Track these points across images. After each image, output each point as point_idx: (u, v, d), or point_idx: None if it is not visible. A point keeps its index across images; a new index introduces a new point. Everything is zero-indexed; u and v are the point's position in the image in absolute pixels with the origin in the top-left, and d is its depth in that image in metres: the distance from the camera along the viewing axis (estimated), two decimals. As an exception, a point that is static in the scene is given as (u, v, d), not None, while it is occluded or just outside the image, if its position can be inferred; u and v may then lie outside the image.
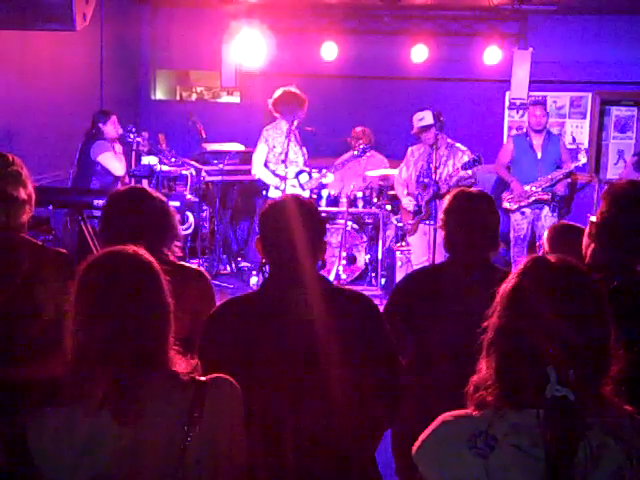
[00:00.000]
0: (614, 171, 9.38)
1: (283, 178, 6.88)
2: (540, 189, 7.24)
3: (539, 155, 7.41)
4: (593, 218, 2.59)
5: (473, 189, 3.19)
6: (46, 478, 1.85)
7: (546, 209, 7.29)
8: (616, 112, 9.60)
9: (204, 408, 1.86)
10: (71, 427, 1.82)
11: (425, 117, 6.49)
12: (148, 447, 1.82)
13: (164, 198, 2.99)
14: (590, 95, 9.34)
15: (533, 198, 7.27)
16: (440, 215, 3.14)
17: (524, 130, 7.84)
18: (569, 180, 7.46)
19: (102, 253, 1.95)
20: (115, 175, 6.71)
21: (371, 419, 2.39)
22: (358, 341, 2.37)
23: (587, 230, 2.63)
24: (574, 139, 7.96)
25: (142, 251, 1.94)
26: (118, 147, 6.95)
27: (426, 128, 6.50)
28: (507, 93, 8.98)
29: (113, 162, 6.67)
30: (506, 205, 7.40)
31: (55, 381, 1.90)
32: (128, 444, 1.81)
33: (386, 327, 2.50)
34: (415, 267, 6.55)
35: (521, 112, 9.30)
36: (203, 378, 1.93)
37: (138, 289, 1.86)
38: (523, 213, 7.37)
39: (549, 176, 7.25)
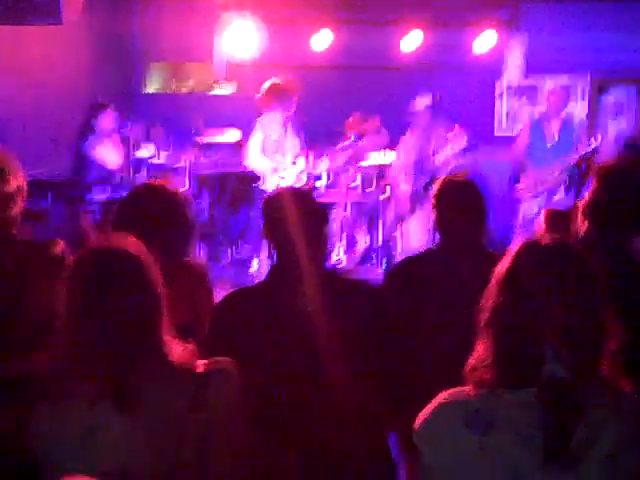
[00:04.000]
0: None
1: (278, 167, 6.87)
2: (556, 174, 7.21)
3: (552, 142, 7.38)
4: (587, 197, 2.61)
5: (460, 174, 3.22)
6: (47, 471, 1.86)
7: (561, 192, 7.26)
8: (612, 97, 9.58)
9: (205, 397, 1.87)
10: (70, 420, 1.83)
11: (424, 98, 6.55)
12: (147, 436, 1.82)
13: (188, 209, 3.01)
14: (585, 80, 9.32)
15: (548, 183, 7.24)
16: (431, 200, 3.16)
17: (540, 116, 7.79)
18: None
19: (91, 247, 1.95)
20: (111, 168, 6.70)
21: (375, 413, 2.40)
22: (364, 332, 2.38)
23: (580, 209, 2.64)
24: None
25: (131, 242, 1.94)
26: (113, 140, 6.94)
27: (420, 109, 6.55)
28: (501, 79, 8.95)
29: (109, 155, 6.66)
30: (522, 192, 7.38)
31: (48, 376, 1.90)
32: (127, 434, 1.82)
33: (393, 318, 2.51)
34: (412, 252, 6.55)
35: (515, 98, 9.28)
36: (202, 366, 1.93)
37: (127, 280, 1.86)
38: (535, 197, 7.35)
39: (562, 161, 7.21)
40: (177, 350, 1.92)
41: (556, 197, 7.28)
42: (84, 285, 1.85)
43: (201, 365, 1.94)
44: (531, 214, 7.35)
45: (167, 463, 1.83)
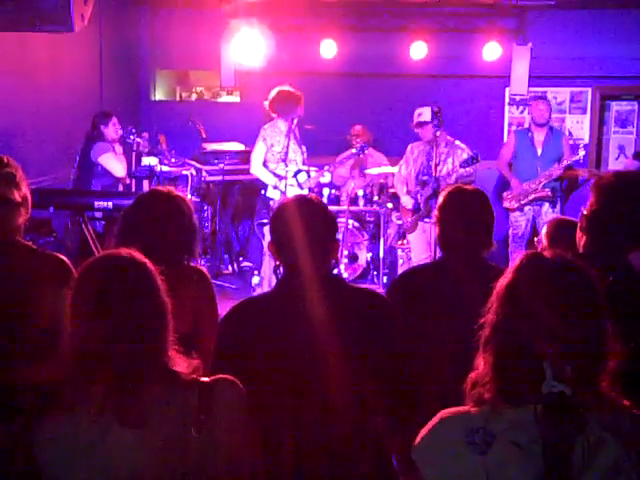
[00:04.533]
0: (615, 166, 9.36)
1: (282, 177, 6.88)
2: (540, 186, 7.24)
3: (539, 152, 7.40)
4: (585, 211, 2.61)
5: (468, 186, 3.19)
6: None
7: (546, 205, 7.29)
8: (616, 107, 9.58)
9: (210, 411, 1.86)
10: (74, 431, 1.82)
11: (423, 113, 6.54)
12: (151, 449, 1.82)
13: (194, 216, 3.02)
14: (590, 90, 9.33)
15: (533, 196, 7.26)
16: (434, 212, 3.14)
17: (527, 126, 7.82)
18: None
19: (98, 256, 1.96)
20: (116, 176, 6.71)
21: (382, 420, 2.40)
22: (372, 341, 2.38)
23: (579, 224, 2.64)
24: (570, 134, 7.95)
25: (136, 253, 1.94)
26: (118, 148, 6.95)
27: (422, 124, 6.56)
28: (507, 89, 8.97)
29: (114, 163, 6.67)
30: (506, 204, 7.39)
31: (51, 385, 1.91)
32: (131, 446, 1.81)
33: (401, 328, 2.50)
34: (414, 265, 6.55)
35: (521, 108, 9.29)
36: (207, 379, 1.93)
37: (134, 290, 1.87)
38: (521, 210, 7.37)
39: (547, 172, 7.24)
40: (181, 364, 1.92)
41: (543, 210, 7.29)
42: (91, 292, 1.85)
43: (206, 378, 1.95)
44: (520, 227, 7.37)
45: (172, 474, 1.83)
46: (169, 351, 1.91)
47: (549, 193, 7.22)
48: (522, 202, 7.31)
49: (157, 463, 1.82)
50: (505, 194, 7.47)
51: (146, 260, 1.94)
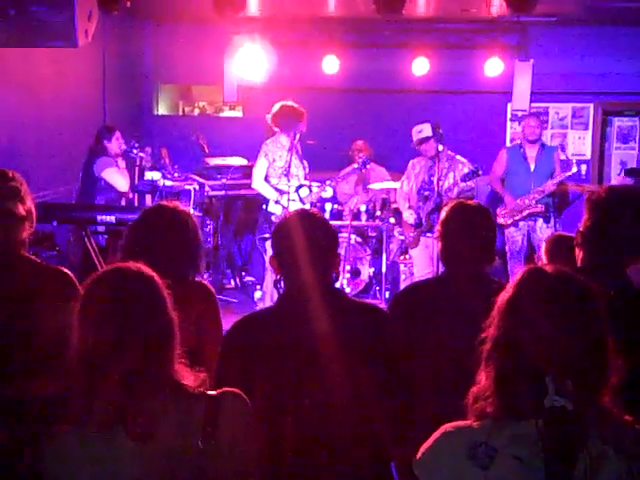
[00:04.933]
0: (616, 182, 9.37)
1: (283, 192, 6.89)
2: (533, 202, 7.23)
3: (532, 167, 7.40)
4: (580, 227, 2.63)
5: (471, 201, 3.19)
6: None
7: (540, 220, 7.27)
8: (618, 122, 9.61)
9: (217, 423, 1.87)
10: (79, 441, 1.83)
11: (424, 129, 6.54)
12: (156, 460, 1.82)
13: (199, 231, 3.03)
14: (592, 106, 9.36)
15: (527, 212, 7.25)
16: (437, 227, 3.14)
17: (518, 142, 7.83)
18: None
19: (107, 269, 1.97)
20: (119, 191, 6.72)
21: (379, 432, 2.40)
22: (373, 355, 2.39)
23: (575, 239, 2.66)
24: (563, 149, 7.96)
25: (144, 267, 1.95)
26: (121, 162, 6.97)
27: (425, 140, 6.56)
28: (509, 104, 8.99)
29: (117, 178, 6.67)
30: (500, 221, 7.37)
31: (57, 397, 1.91)
32: (136, 456, 1.81)
33: (402, 342, 2.51)
34: (416, 280, 6.54)
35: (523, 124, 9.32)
36: (214, 392, 1.94)
37: (142, 303, 1.88)
38: (517, 225, 7.36)
39: (541, 188, 7.24)
40: (189, 377, 1.92)
41: (538, 225, 7.29)
42: (98, 305, 1.86)
43: (213, 391, 1.95)
44: (516, 242, 7.36)
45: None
46: (176, 365, 1.91)
47: (542, 209, 7.22)
48: (516, 218, 7.31)
49: (162, 474, 1.82)
50: (499, 210, 7.45)
51: (154, 274, 1.95)
